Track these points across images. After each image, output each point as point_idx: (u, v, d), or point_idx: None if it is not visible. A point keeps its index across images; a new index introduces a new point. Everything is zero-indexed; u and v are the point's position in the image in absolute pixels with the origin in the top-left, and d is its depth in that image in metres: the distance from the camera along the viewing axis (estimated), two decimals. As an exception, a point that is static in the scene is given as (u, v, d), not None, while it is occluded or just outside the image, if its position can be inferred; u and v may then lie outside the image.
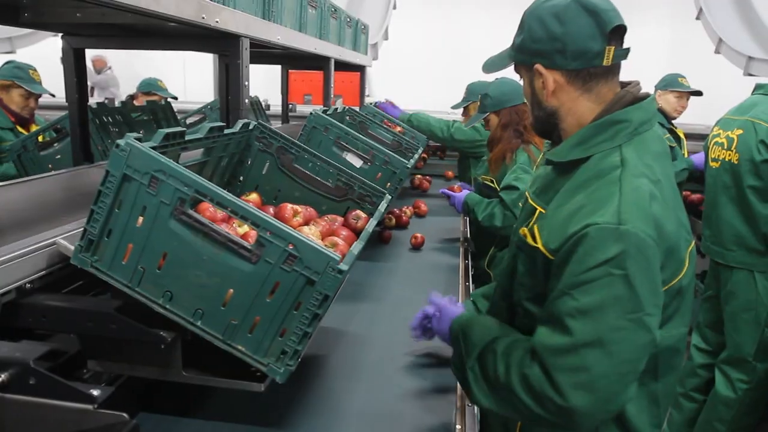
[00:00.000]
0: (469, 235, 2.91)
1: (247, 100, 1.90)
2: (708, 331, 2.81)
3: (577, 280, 0.99)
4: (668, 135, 3.57)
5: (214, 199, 1.02)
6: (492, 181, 2.71)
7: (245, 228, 1.24)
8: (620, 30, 1.10)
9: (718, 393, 2.63)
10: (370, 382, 1.45)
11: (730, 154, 2.56)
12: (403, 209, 3.10)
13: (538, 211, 1.16)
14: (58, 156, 2.62)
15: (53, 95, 3.05)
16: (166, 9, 1.37)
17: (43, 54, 5.40)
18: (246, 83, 1.89)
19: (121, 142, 1.02)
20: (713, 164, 2.68)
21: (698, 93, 3.49)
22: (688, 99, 3.56)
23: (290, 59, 3.61)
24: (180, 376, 1.14)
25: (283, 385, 1.11)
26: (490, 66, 1.30)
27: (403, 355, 1.59)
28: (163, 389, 1.26)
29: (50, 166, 2.61)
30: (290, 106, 4.34)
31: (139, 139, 1.04)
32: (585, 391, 0.97)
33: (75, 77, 1.94)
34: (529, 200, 1.22)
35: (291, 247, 1.00)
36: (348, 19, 3.39)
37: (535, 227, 1.12)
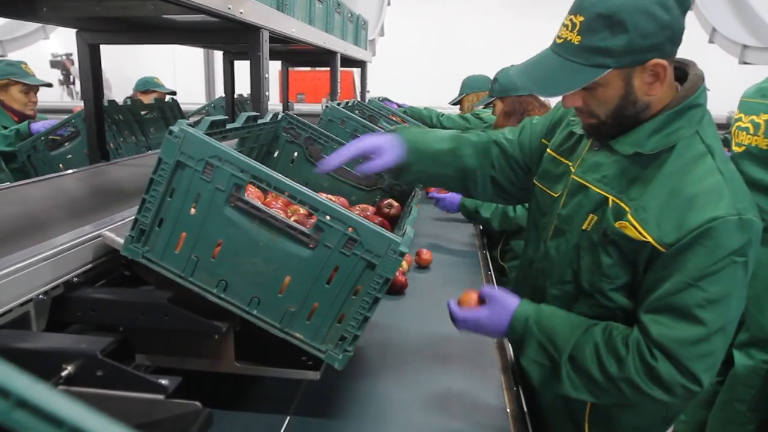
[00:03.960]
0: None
1: (267, 93, 1.89)
2: None
3: (705, 271, 1.02)
4: None
5: (271, 184, 1.00)
6: None
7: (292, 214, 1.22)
8: None
9: (738, 374, 2.62)
10: (415, 371, 1.43)
11: (757, 139, 2.51)
12: None
13: (612, 201, 1.13)
14: (69, 156, 2.58)
15: (50, 85, 3.03)
16: (197, -2, 1.35)
17: (33, 57, 5.33)
18: (266, 75, 1.87)
19: (174, 128, 1.00)
20: (737, 149, 2.63)
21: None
22: None
23: (292, 55, 3.59)
24: (232, 366, 1.13)
25: (327, 375, 1.10)
26: (559, 86, 1.10)
27: (441, 343, 1.58)
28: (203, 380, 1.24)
29: (61, 165, 2.56)
30: (289, 104, 4.31)
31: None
32: (711, 371, 1.06)
33: (90, 73, 1.91)
34: (594, 188, 1.18)
35: (351, 231, 0.99)
36: (350, 15, 3.38)
37: (633, 221, 1.09)
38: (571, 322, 1.17)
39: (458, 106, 3.72)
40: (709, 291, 1.03)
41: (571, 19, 1.06)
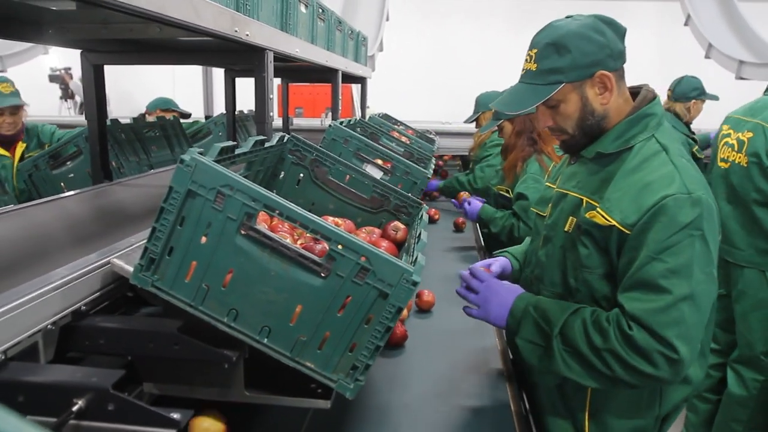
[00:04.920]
0: (482, 242, 2.91)
1: (272, 113, 1.89)
2: (717, 330, 2.76)
3: (663, 245, 1.15)
4: (696, 147, 3.63)
5: (284, 213, 1.00)
6: (508, 191, 2.72)
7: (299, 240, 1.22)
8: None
9: (731, 393, 2.61)
10: (420, 392, 1.42)
11: (740, 157, 2.54)
12: None
13: (585, 201, 1.30)
14: (71, 174, 2.56)
15: (27, 104, 2.86)
16: (206, 22, 1.36)
17: (32, 71, 5.34)
18: (271, 96, 1.87)
19: (185, 157, 0.99)
20: (722, 164, 2.65)
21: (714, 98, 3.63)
22: None
23: (292, 72, 3.60)
24: (242, 395, 1.11)
25: (335, 404, 1.09)
26: (525, 103, 1.27)
27: (444, 364, 1.57)
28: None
29: (62, 184, 2.55)
30: (289, 119, 4.32)
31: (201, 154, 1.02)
32: (686, 340, 1.14)
33: (94, 94, 1.91)
34: (571, 193, 1.35)
35: (363, 260, 0.98)
36: (350, 31, 3.39)
37: (601, 210, 1.24)
38: (564, 304, 1.30)
39: (474, 123, 3.71)
40: (669, 262, 1.14)
41: (529, 54, 1.30)
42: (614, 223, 1.20)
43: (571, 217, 1.32)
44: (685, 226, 1.14)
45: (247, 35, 1.61)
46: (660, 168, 1.21)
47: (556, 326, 1.24)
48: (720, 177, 2.66)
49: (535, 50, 1.27)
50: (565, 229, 1.33)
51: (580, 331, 1.21)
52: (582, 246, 1.27)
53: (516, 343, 1.31)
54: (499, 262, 1.54)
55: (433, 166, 2.69)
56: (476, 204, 2.75)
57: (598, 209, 1.24)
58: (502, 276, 1.52)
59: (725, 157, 2.64)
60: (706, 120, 3.96)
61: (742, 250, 2.56)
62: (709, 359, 1.35)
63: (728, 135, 2.66)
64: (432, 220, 3.12)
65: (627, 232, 1.19)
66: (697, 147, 3.64)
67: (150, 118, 3.23)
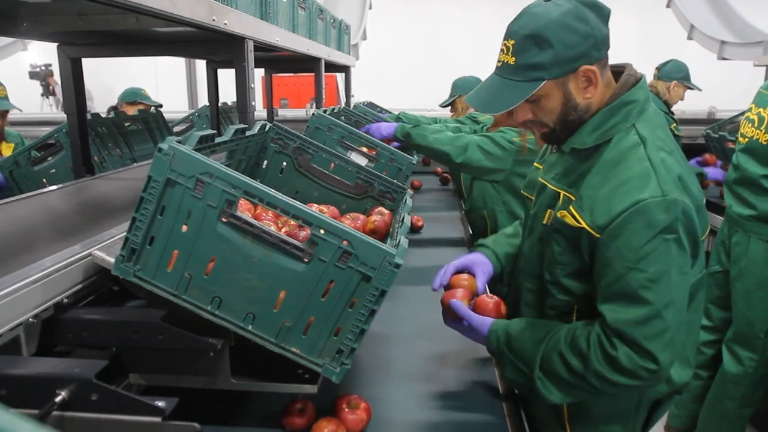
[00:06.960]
0: (471, 232, 2.91)
1: (254, 103, 1.88)
2: (711, 307, 2.78)
3: (639, 254, 1.09)
4: (675, 124, 3.62)
5: (264, 199, 0.99)
6: None
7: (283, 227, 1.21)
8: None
9: (726, 372, 2.62)
10: (406, 381, 1.43)
11: (759, 134, 2.45)
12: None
13: (563, 195, 1.24)
14: (53, 170, 2.53)
15: (20, 110, 2.84)
16: (182, 11, 1.35)
17: (11, 68, 5.27)
18: (252, 86, 1.86)
19: (163, 145, 0.98)
20: (741, 140, 2.57)
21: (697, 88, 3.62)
22: None
23: (275, 62, 3.58)
24: (228, 383, 1.12)
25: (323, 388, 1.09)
26: (504, 103, 1.18)
27: (430, 352, 1.58)
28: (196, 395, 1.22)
29: (45, 180, 2.52)
30: (273, 110, 4.29)
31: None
32: (669, 348, 1.11)
33: (73, 87, 1.88)
34: (549, 185, 1.30)
35: (345, 244, 0.99)
36: (332, 20, 3.37)
37: (572, 209, 1.19)
38: (536, 336, 1.24)
39: (449, 107, 3.70)
40: (648, 271, 1.09)
41: (505, 44, 1.18)
42: (584, 225, 1.15)
43: (549, 210, 1.27)
44: (659, 232, 1.08)
45: (226, 24, 1.60)
46: (635, 165, 1.13)
47: (535, 368, 1.21)
48: (738, 152, 2.59)
49: (513, 41, 1.16)
50: (544, 222, 1.28)
51: (558, 363, 1.18)
52: (555, 243, 1.23)
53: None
54: (482, 270, 1.45)
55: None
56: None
57: (570, 207, 1.18)
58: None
59: (744, 133, 2.56)
60: (688, 101, 3.98)
61: (751, 221, 2.49)
62: (693, 362, 1.30)
63: (750, 110, 2.57)
64: (415, 229, 2.82)
65: (597, 235, 1.13)
66: (675, 125, 3.62)
67: (131, 111, 3.19)
